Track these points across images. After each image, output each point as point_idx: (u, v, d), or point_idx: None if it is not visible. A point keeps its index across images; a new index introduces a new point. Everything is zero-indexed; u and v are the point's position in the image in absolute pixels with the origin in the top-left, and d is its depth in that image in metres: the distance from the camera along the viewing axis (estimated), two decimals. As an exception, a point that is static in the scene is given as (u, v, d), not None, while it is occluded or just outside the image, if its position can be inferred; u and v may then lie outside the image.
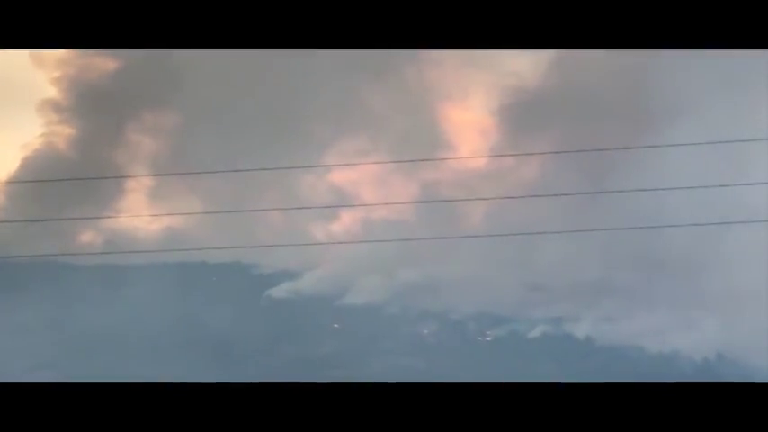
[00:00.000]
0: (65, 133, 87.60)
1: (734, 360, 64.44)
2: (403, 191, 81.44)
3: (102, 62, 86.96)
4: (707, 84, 74.14)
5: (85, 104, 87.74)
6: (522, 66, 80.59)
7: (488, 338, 71.44)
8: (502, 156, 78.82)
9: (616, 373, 62.95)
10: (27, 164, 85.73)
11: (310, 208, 79.70)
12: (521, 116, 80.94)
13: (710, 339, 66.38)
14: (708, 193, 53.93)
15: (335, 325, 73.16)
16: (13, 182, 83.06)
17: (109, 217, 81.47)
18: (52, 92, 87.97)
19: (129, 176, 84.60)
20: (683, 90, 74.90)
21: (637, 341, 67.80)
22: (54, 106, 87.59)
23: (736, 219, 57.38)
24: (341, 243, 79.11)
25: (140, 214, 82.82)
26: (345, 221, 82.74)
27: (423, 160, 78.49)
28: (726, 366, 64.24)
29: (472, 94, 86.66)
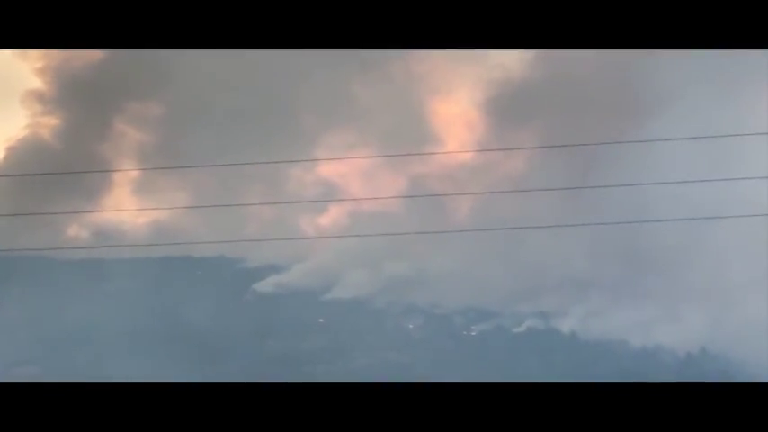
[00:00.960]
0: (50, 125, 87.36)
1: (717, 355, 64.52)
2: (390, 184, 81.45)
3: (87, 53, 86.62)
4: (693, 78, 74.12)
5: (71, 96, 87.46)
6: (508, 59, 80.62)
7: (473, 333, 71.43)
8: (489, 150, 78.76)
9: (600, 367, 63.06)
10: (11, 156, 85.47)
11: (298, 202, 79.61)
12: (507, 109, 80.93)
13: (694, 334, 66.43)
14: (693, 188, 53.97)
15: (321, 320, 73.06)
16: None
17: (94, 211, 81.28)
18: (36, 83, 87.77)
19: (115, 170, 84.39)
20: (669, 84, 74.86)
21: (621, 336, 67.84)
22: (38, 97, 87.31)
23: (721, 214, 57.46)
24: (326, 237, 79.00)
25: (125, 209, 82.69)
26: (333, 215, 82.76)
27: (410, 155, 78.43)
28: (709, 361, 64.33)
29: (459, 88, 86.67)
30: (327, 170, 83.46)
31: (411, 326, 72.72)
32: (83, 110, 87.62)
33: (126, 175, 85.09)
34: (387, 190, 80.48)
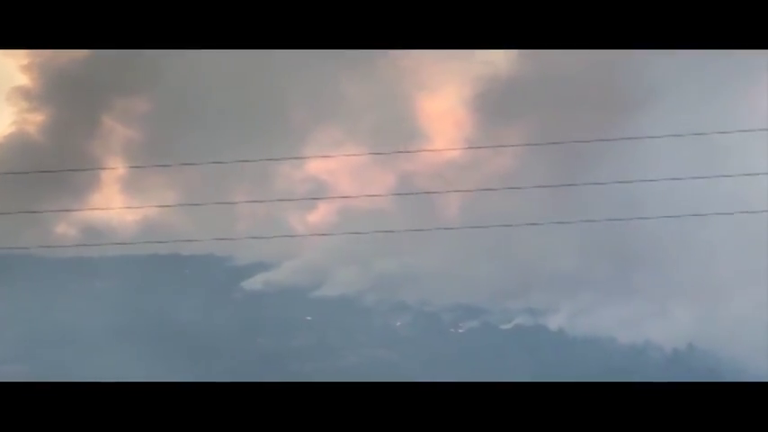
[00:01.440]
0: (36, 122, 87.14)
1: (705, 351, 64.66)
2: (379, 181, 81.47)
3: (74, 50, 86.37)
4: (681, 75, 74.23)
5: (57, 92, 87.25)
6: (496, 55, 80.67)
7: (461, 330, 71.49)
8: (478, 147, 78.79)
9: (588, 364, 63.17)
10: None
11: (286, 200, 79.55)
12: (496, 105, 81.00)
13: (682, 331, 66.57)
14: (682, 185, 54.01)
15: (308, 317, 73.02)
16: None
17: (82, 209, 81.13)
18: (22, 79, 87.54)
19: (103, 168, 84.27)
20: (658, 80, 74.96)
21: (609, 332, 67.99)
22: (24, 94, 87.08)
23: (709, 211, 57.50)
24: (315, 235, 78.94)
25: (113, 206, 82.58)
26: (322, 212, 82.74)
27: (399, 152, 78.43)
28: (696, 358, 64.48)
29: (447, 84, 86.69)
30: (316, 167, 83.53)
31: (399, 323, 72.74)
32: (70, 107, 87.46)
33: (114, 173, 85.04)
34: (376, 187, 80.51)
